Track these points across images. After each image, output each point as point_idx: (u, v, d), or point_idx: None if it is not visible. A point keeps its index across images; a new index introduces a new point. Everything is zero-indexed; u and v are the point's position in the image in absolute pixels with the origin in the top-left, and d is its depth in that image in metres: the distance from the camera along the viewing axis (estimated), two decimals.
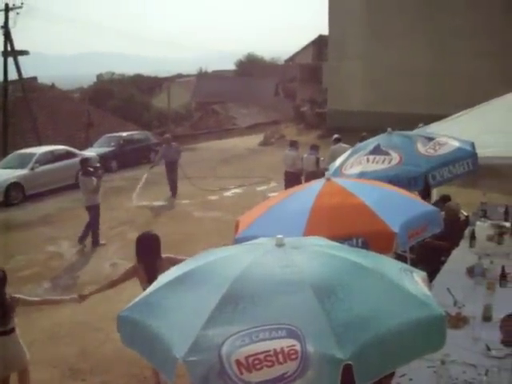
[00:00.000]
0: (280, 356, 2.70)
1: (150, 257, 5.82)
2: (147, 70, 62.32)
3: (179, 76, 58.09)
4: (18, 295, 5.78)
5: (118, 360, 7.02)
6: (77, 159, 18.85)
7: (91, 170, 12.49)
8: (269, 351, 2.71)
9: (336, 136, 14.65)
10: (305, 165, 14.44)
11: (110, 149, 23.26)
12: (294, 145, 15.26)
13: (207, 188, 17.20)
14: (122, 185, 19.13)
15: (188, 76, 56.76)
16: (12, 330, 5.61)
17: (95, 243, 12.46)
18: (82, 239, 12.48)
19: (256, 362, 2.69)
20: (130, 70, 62.14)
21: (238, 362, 2.70)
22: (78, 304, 6.11)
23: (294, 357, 2.70)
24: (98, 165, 14.22)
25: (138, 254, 5.92)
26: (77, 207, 14.57)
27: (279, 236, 3.38)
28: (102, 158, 20.81)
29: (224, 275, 3.18)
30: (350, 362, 2.70)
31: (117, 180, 20.07)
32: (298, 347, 2.72)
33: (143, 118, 38.48)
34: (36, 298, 6.53)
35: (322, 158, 13.97)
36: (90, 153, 21.26)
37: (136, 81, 49.74)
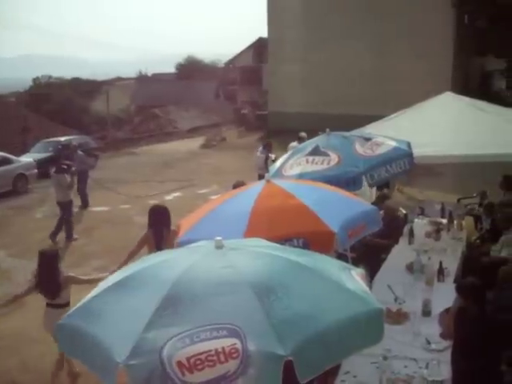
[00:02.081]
0: (221, 355, 2.72)
1: (159, 225, 6.66)
2: (87, 73, 61.22)
3: (119, 79, 57.25)
4: (70, 273, 6.44)
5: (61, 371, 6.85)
6: (13, 165, 18.24)
7: (65, 167, 12.84)
8: (210, 351, 2.72)
9: (301, 134, 14.58)
10: (257, 164, 14.41)
11: (48, 154, 22.63)
12: (266, 147, 15.11)
13: (130, 194, 16.87)
14: None
15: (127, 79, 56.03)
16: (67, 305, 6.10)
17: (69, 237, 12.76)
18: (54, 235, 12.63)
19: (198, 362, 2.70)
20: (70, 72, 60.85)
21: (180, 364, 2.71)
22: (19, 315, 6.11)
23: (235, 355, 2.72)
24: (70, 163, 14.28)
25: (149, 222, 6.83)
26: (14, 215, 14.11)
27: (218, 238, 3.38)
28: (40, 163, 20.22)
29: (164, 278, 3.19)
30: (290, 358, 2.74)
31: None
32: (238, 346, 2.74)
33: (82, 122, 37.72)
34: (84, 277, 6.78)
35: (272, 157, 13.88)
36: (27, 158, 20.66)
37: (74, 84, 48.67)
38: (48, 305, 6.31)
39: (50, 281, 6.17)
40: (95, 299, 3.33)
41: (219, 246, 3.40)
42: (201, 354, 2.72)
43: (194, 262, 3.30)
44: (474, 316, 5.35)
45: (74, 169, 13.21)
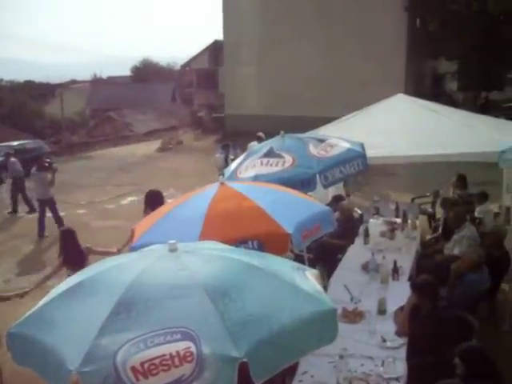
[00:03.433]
0: (176, 359, 2.71)
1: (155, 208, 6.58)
2: (40, 76, 59.91)
3: (73, 82, 56.40)
4: (88, 245, 7.09)
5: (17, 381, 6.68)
6: None
7: (46, 165, 13.26)
8: (164, 355, 2.71)
9: (258, 134, 14.60)
10: (216, 164, 14.40)
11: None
12: (225, 148, 15.05)
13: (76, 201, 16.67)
14: None
15: (82, 82, 55.23)
16: None
17: (41, 233, 13.09)
18: (41, 233, 13.10)
19: (152, 367, 2.69)
20: (23, 75, 59.49)
21: (134, 369, 2.68)
22: None
23: (189, 359, 2.71)
24: (51, 160, 14.77)
25: (146, 204, 7.27)
26: None
27: (172, 241, 3.36)
28: None
29: (117, 283, 3.16)
30: (245, 360, 2.74)
31: (7, 191, 19.08)
32: (193, 349, 2.74)
33: (36, 126, 37.01)
34: (100, 249, 7.32)
35: (231, 157, 13.88)
36: None
37: (27, 87, 47.74)
38: None
39: (76, 253, 6.84)
40: (47, 306, 3.27)
41: (173, 250, 3.38)
42: (155, 358, 2.70)
43: (147, 266, 3.27)
44: (427, 312, 5.47)
45: (55, 166, 13.55)
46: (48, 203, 13.08)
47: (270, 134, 8.68)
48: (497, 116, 14.70)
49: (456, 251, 7.55)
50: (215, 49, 42.13)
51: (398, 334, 5.49)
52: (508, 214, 8.15)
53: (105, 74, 59.58)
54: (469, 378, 4.27)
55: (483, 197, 9.47)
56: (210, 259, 3.40)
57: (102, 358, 2.73)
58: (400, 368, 4.91)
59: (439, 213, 10.05)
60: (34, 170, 13.19)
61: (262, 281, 3.26)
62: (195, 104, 42.78)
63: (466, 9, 25.31)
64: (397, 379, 4.79)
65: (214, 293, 3.00)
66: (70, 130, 38.36)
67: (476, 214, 9.53)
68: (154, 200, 7.05)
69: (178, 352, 2.71)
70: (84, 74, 61.40)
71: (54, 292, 3.44)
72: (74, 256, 6.86)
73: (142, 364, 2.69)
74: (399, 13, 26.59)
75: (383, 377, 4.79)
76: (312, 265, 7.14)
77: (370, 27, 26.52)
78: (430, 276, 5.80)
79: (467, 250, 7.39)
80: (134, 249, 4.44)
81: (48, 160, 14.35)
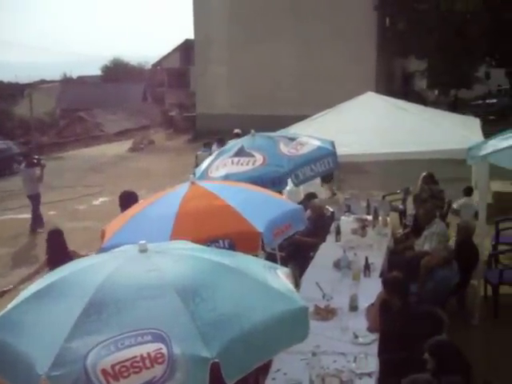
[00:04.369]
0: (147, 361, 2.68)
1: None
2: (9, 76, 58.94)
3: (42, 82, 55.56)
4: (72, 249, 6.92)
5: None
6: None
7: (35, 161, 13.84)
8: (135, 357, 2.68)
9: (236, 131, 14.55)
10: (199, 162, 14.34)
11: None
12: (207, 145, 14.99)
13: None
14: None
15: (52, 82, 54.48)
16: None
17: (36, 228, 13.42)
18: (35, 225, 13.45)
19: (123, 369, 2.66)
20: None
21: (105, 372, 2.65)
22: None
23: (160, 360, 2.69)
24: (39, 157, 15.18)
25: (120, 206, 7.05)
26: None
27: (142, 242, 3.34)
28: None
29: (86, 285, 3.11)
30: (217, 360, 2.73)
31: None
32: (164, 350, 2.71)
33: (4, 127, 36.38)
34: (84, 253, 6.90)
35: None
36: None
37: None
38: None
39: (61, 255, 6.61)
40: (15, 310, 3.20)
41: (143, 250, 3.34)
42: (126, 360, 2.67)
43: (117, 267, 3.23)
44: (397, 308, 5.53)
45: (43, 162, 14.05)
46: (33, 198, 13.51)
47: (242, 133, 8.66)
48: (465, 113, 14.93)
49: (426, 247, 7.64)
50: (186, 48, 41.99)
51: (370, 330, 5.55)
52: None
53: (75, 73, 58.86)
54: (439, 373, 4.33)
55: (469, 190, 9.75)
56: (180, 259, 3.38)
57: (72, 361, 2.69)
58: (372, 364, 4.97)
59: (410, 209, 10.17)
60: (23, 166, 13.83)
61: (233, 280, 3.25)
62: (166, 103, 42.59)
63: (434, 8, 25.66)
64: (369, 375, 4.84)
65: (185, 293, 2.98)
66: (40, 131, 37.79)
67: (455, 206, 9.72)
68: (128, 201, 6.93)
69: (148, 354, 2.69)
70: (53, 74, 60.54)
71: (23, 295, 3.37)
72: (58, 257, 6.58)
73: (112, 367, 2.66)
74: (369, 12, 26.83)
75: (355, 373, 4.83)
76: (284, 263, 7.17)
77: (341, 26, 26.71)
78: (399, 272, 5.87)
79: (437, 246, 7.49)
80: (104, 250, 4.39)
81: (36, 157, 14.80)
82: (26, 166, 13.65)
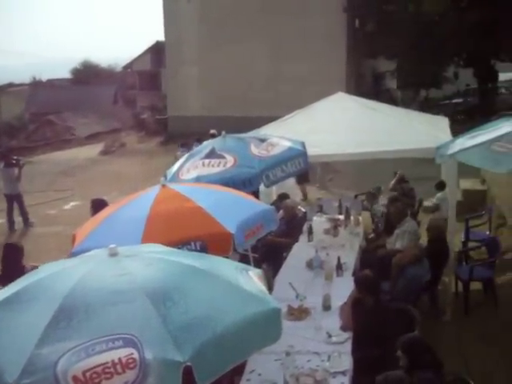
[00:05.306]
0: (118, 366, 2.66)
1: None
2: None
3: (11, 85, 54.65)
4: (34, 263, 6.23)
5: None
6: None
7: (13, 161, 14.20)
8: (106, 363, 2.66)
9: (211, 131, 14.51)
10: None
11: None
12: (185, 145, 14.95)
13: None
14: None
15: (21, 85, 53.62)
16: None
17: (11, 228, 13.92)
18: (26, 223, 14.13)
19: (94, 375, 2.63)
20: None
21: (75, 379, 2.62)
22: None
23: (132, 366, 2.67)
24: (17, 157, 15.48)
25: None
26: None
27: (112, 246, 3.31)
28: None
29: (56, 290, 3.07)
30: (189, 364, 2.73)
31: None
32: (135, 355, 2.70)
33: None
34: None
35: None
36: None
37: None
38: None
39: (15, 272, 5.88)
40: None
41: (113, 254, 3.32)
42: (97, 366, 2.64)
43: (87, 272, 3.20)
44: (369, 306, 5.58)
45: (22, 162, 14.52)
46: (16, 198, 13.87)
47: (201, 137, 8.60)
48: (435, 113, 15.12)
49: (398, 245, 7.72)
50: (157, 50, 41.73)
51: (343, 328, 5.59)
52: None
53: (44, 76, 57.95)
54: (412, 369, 4.38)
55: (441, 185, 9.85)
56: (151, 263, 3.35)
57: (42, 368, 2.66)
58: (346, 362, 5.01)
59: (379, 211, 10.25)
60: (1, 166, 14.08)
61: (204, 283, 3.25)
62: (138, 106, 42.24)
63: (402, 10, 25.95)
64: (343, 373, 4.88)
65: (156, 297, 2.97)
66: (9, 135, 37.22)
67: (435, 201, 9.85)
68: (98, 208, 6.77)
69: (120, 359, 2.67)
70: (22, 77, 59.57)
71: None
72: (12, 275, 6.25)
73: (83, 373, 2.63)
74: (339, 13, 27.00)
75: (329, 371, 4.88)
76: (258, 264, 7.18)
77: (312, 27, 26.83)
78: (370, 271, 5.93)
79: (408, 244, 7.57)
80: (74, 254, 4.34)
81: (15, 157, 15.13)
82: (4, 166, 13.99)
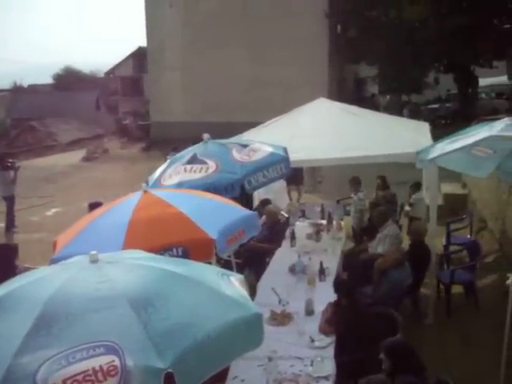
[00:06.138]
0: (99, 374, 2.63)
1: None
2: None
3: None
4: (27, 265, 6.51)
5: None
6: None
7: (9, 164, 14.49)
8: (87, 371, 2.62)
9: (205, 136, 14.48)
10: None
11: None
12: (176, 149, 14.91)
13: None
14: None
15: (2, 91, 53.19)
16: None
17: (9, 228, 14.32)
18: (10, 228, 14.35)
19: (75, 383, 2.60)
20: None
21: None
22: None
23: (113, 373, 2.64)
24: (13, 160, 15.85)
25: None
26: None
27: (93, 252, 3.29)
28: None
29: (36, 298, 3.03)
30: (170, 371, 2.70)
31: None
32: (117, 363, 2.67)
33: None
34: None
35: None
36: None
37: None
38: None
39: (8, 272, 5.80)
40: None
41: (94, 261, 3.29)
42: (78, 374, 2.61)
43: (67, 279, 3.16)
44: (349, 311, 5.61)
45: (17, 165, 14.85)
46: (8, 200, 14.26)
47: (195, 141, 8.57)
48: (417, 118, 15.24)
49: (380, 249, 7.75)
50: (139, 55, 41.71)
51: (322, 330, 5.60)
52: (427, 212, 8.47)
53: (25, 82, 57.57)
54: (394, 373, 4.39)
55: (417, 186, 10.10)
56: (132, 269, 3.33)
57: (22, 378, 2.62)
58: (329, 366, 5.02)
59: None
60: None
61: (186, 289, 3.23)
62: (120, 112, 42.14)
63: (383, 16, 26.20)
64: (326, 378, 4.89)
65: (137, 303, 2.94)
66: None
67: (411, 201, 9.97)
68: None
69: (101, 366, 2.64)
70: (3, 83, 59.15)
71: None
72: (5, 275, 6.35)
73: (64, 381, 2.59)
74: (321, 19, 27.18)
75: (313, 376, 4.88)
76: (241, 270, 7.18)
77: (294, 33, 26.98)
78: (349, 275, 5.99)
79: (390, 248, 7.62)
80: (54, 261, 4.29)
81: (10, 160, 15.43)
82: (1, 169, 14.26)
